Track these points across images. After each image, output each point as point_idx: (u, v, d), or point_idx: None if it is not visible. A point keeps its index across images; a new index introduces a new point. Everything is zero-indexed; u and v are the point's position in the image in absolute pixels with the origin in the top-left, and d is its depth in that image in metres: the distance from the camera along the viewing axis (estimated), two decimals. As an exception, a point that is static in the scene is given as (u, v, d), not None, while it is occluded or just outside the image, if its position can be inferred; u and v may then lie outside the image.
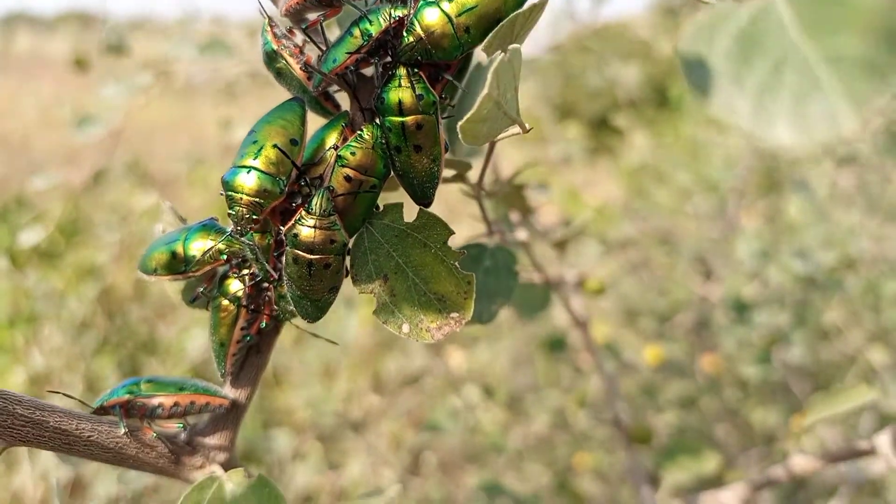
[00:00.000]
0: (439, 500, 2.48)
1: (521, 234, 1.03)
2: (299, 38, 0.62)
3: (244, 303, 0.60)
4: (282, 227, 0.56)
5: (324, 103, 0.63)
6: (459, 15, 0.54)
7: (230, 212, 0.54)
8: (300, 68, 0.60)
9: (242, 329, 0.62)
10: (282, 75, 0.62)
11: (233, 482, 0.61)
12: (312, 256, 0.54)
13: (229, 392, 0.65)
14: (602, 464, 2.34)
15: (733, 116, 0.33)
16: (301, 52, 0.61)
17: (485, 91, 0.47)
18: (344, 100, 0.64)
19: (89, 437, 0.58)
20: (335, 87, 0.63)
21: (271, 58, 0.62)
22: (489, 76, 0.47)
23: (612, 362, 1.66)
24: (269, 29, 0.61)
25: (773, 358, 1.91)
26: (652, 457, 1.31)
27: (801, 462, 1.09)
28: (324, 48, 0.60)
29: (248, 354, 0.65)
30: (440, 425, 1.76)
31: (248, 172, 0.54)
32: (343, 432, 2.43)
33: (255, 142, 0.55)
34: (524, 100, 0.56)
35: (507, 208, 1.02)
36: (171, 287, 0.68)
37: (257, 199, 0.54)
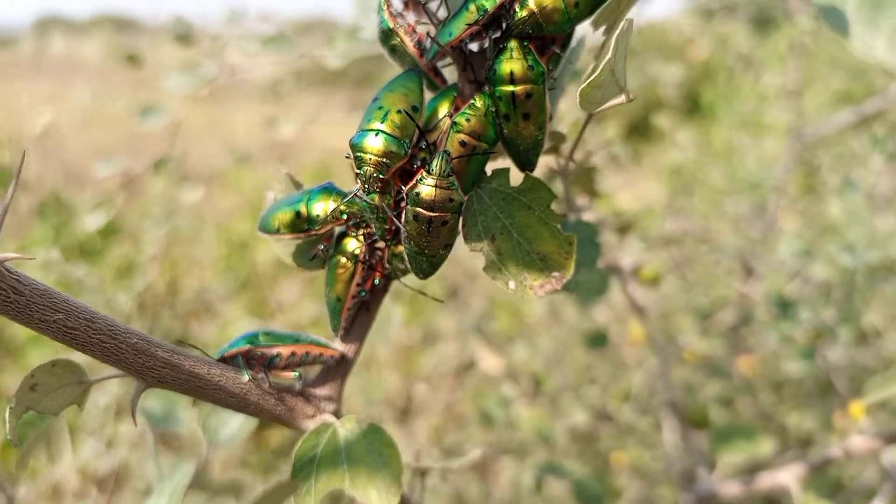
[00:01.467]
0: (476, 493, 2.51)
1: (589, 216, 1.07)
2: (411, 16, 0.67)
3: (362, 260, 0.65)
4: (403, 187, 0.60)
5: (433, 77, 0.67)
6: (570, -9, 0.59)
7: (358, 171, 0.59)
8: (413, 45, 0.65)
9: (358, 285, 0.66)
10: (395, 52, 0.67)
11: (345, 428, 0.66)
12: (432, 214, 0.59)
13: (339, 346, 0.70)
14: (641, 460, 2.36)
15: (871, 52, 0.37)
16: (413, 30, 0.66)
17: (608, 56, 0.51)
18: (449, 75, 0.69)
19: (218, 381, 0.63)
20: (443, 63, 0.67)
21: (387, 35, 0.66)
22: (612, 42, 0.51)
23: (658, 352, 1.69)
24: (385, 8, 0.66)
25: (818, 354, 1.93)
26: (706, 441, 1.34)
27: (859, 442, 1.12)
28: (435, 25, 0.65)
29: (358, 311, 0.70)
30: (491, 413, 1.80)
31: (375, 135, 0.58)
32: (387, 422, 2.47)
33: (380, 107, 0.60)
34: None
35: (576, 190, 1.06)
36: (282, 250, 0.72)
37: (384, 160, 0.58)
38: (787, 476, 1.17)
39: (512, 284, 0.63)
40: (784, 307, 2.08)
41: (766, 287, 2.42)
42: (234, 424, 0.96)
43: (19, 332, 3.57)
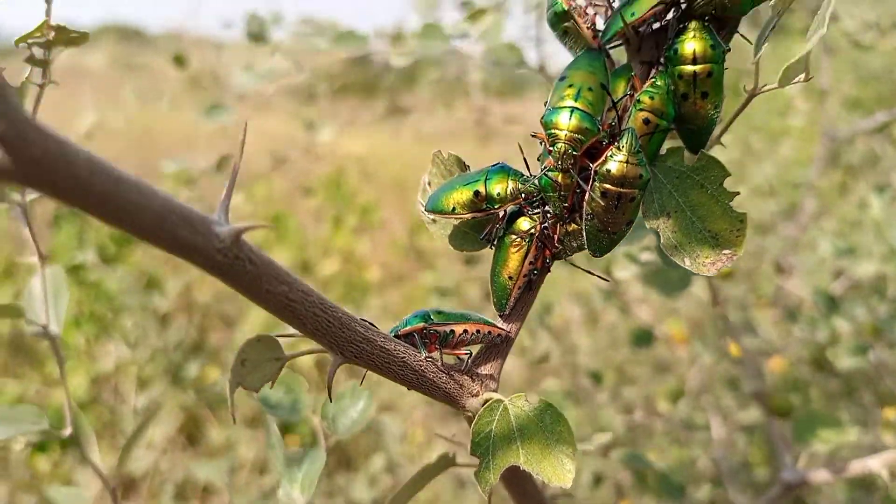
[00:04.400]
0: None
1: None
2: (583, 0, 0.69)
3: (538, 240, 0.66)
4: (590, 164, 0.62)
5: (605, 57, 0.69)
6: (758, -28, 0.60)
7: (551, 148, 0.60)
8: (587, 27, 0.67)
9: (530, 264, 0.67)
10: (568, 34, 0.68)
11: (516, 406, 0.67)
12: (622, 189, 0.60)
13: (503, 325, 0.71)
14: (686, 458, 2.37)
15: None
16: (586, 12, 0.67)
17: (823, 30, 0.52)
18: (616, 56, 0.70)
19: (403, 357, 0.64)
20: (612, 44, 0.69)
21: (560, 18, 0.68)
22: (827, 14, 0.52)
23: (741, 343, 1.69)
24: None
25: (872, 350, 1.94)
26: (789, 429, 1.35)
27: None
28: (611, 6, 0.66)
29: (522, 291, 0.71)
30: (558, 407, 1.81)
31: (570, 112, 0.60)
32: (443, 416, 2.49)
33: (571, 85, 0.61)
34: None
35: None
36: (439, 233, 0.74)
37: (578, 136, 0.60)
38: (878, 463, 1.18)
39: (687, 261, 0.64)
40: (831, 303, 2.10)
41: (807, 285, 2.44)
42: (353, 414, 0.97)
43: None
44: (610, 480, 2.36)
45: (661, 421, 2.22)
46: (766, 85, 0.67)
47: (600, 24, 0.67)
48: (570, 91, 0.61)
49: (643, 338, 2.24)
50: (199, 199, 2.57)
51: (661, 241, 0.64)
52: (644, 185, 0.61)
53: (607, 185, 0.60)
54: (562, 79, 0.63)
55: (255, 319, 4.13)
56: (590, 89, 0.61)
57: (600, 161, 0.61)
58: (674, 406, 2.19)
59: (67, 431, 1.07)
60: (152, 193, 0.45)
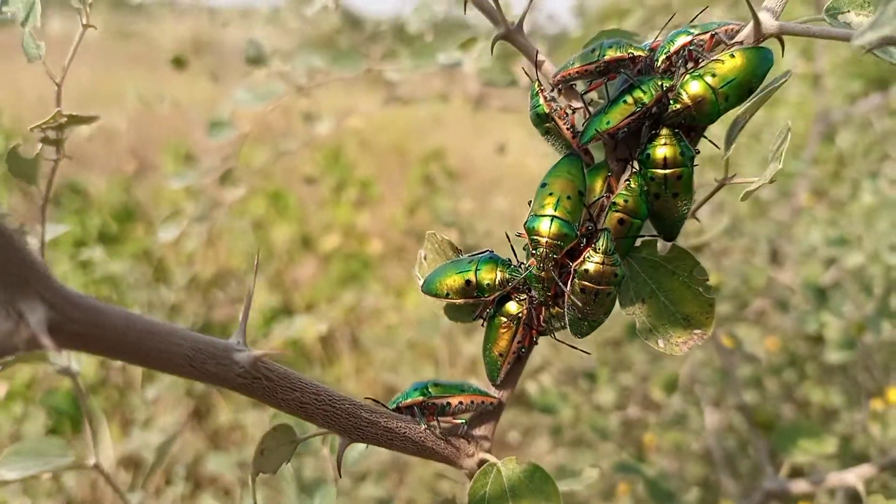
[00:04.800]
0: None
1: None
2: (563, 101, 0.74)
3: (525, 323, 0.73)
4: (570, 263, 0.68)
5: (583, 156, 0.74)
6: (721, 87, 0.66)
7: (534, 252, 0.67)
8: (567, 128, 0.72)
9: (518, 343, 0.74)
10: (550, 133, 0.74)
11: (507, 468, 0.74)
12: (599, 287, 0.67)
13: (495, 393, 0.78)
14: (681, 442, 2.47)
15: None
16: (566, 114, 0.73)
17: (778, 165, 0.58)
18: (595, 151, 0.76)
19: (404, 433, 0.71)
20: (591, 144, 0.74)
21: (542, 118, 0.73)
22: (783, 151, 0.58)
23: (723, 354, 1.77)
24: (540, 93, 0.73)
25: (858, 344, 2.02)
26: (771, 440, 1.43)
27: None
28: (588, 109, 0.72)
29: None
30: (554, 407, 1.90)
31: (550, 220, 0.66)
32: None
33: (551, 193, 0.67)
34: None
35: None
36: (435, 304, 0.80)
37: (558, 242, 0.66)
38: (854, 477, 1.25)
39: (661, 343, 0.71)
40: (820, 296, 2.17)
41: (798, 274, 2.50)
42: (360, 447, 1.05)
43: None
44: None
45: (655, 411, 2.30)
46: (734, 175, 0.73)
47: (580, 125, 0.73)
48: (551, 200, 0.67)
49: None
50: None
51: (637, 326, 0.71)
52: (619, 282, 0.67)
53: (585, 283, 0.67)
54: (543, 185, 0.69)
55: (258, 298, 4.20)
56: (568, 198, 0.67)
57: (579, 261, 0.67)
58: (668, 396, 2.27)
59: (91, 461, 1.14)
60: (179, 337, 0.52)
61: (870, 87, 3.71)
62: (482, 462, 0.76)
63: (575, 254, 0.68)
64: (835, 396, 2.55)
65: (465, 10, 0.76)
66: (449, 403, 0.75)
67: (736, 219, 2.90)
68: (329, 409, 0.63)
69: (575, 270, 0.67)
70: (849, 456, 2.28)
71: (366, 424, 0.67)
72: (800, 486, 1.32)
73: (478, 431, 0.78)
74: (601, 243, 0.66)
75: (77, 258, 3.56)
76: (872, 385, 2.33)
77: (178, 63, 2.44)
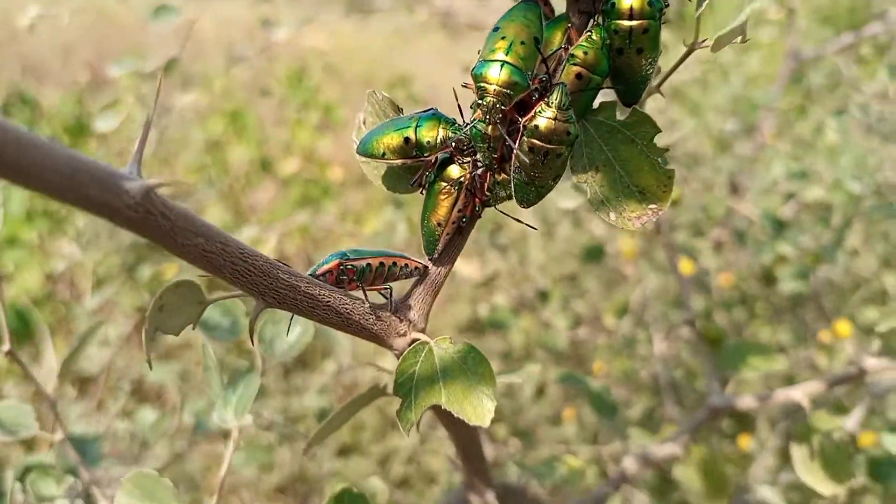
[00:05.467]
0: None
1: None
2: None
3: (466, 187, 0.66)
4: (520, 118, 0.61)
5: (542, 7, 0.67)
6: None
7: (480, 101, 0.60)
8: None
9: (459, 211, 0.68)
10: None
11: (440, 347, 0.69)
12: (549, 146, 0.60)
13: (432, 268, 0.72)
14: (630, 370, 2.46)
15: None
16: None
17: (756, 4, 0.52)
18: (557, 4, 0.68)
19: (328, 301, 0.64)
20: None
21: None
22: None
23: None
24: None
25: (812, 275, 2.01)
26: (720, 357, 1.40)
27: (874, 363, 1.19)
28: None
29: (452, 236, 0.71)
30: (504, 323, 1.86)
31: (500, 66, 0.59)
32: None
33: (503, 37, 0.60)
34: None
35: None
36: (371, 172, 0.73)
37: (507, 91, 0.59)
38: (800, 393, 1.23)
39: (612, 216, 0.65)
40: (778, 227, 2.15)
41: (758, 206, 2.48)
42: (291, 338, 0.99)
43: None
44: (554, 388, 2.44)
45: (605, 335, 2.29)
46: (705, 40, 0.66)
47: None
48: (503, 44, 0.60)
49: (594, 254, 2.28)
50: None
51: (588, 195, 0.65)
52: (572, 142, 0.61)
53: (535, 141, 0.60)
54: (495, 29, 0.61)
55: (211, 214, 4.08)
56: (522, 43, 0.59)
57: (529, 116, 0.60)
58: (619, 320, 2.25)
59: (5, 347, 1.05)
60: (57, 153, 0.44)
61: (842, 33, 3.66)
62: (415, 342, 0.70)
63: (525, 108, 0.62)
64: (783, 334, 2.56)
65: None
66: (369, 265, 0.69)
67: (698, 154, 2.86)
68: (240, 262, 0.56)
69: (524, 126, 0.60)
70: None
71: (284, 287, 0.60)
72: (745, 401, 1.30)
73: (411, 312, 0.72)
74: (555, 97, 0.59)
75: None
76: (821, 325, 2.34)
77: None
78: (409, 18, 2.76)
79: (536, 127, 0.60)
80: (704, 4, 0.62)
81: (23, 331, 3.36)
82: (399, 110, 0.72)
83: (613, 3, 0.61)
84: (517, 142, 0.61)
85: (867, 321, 2.17)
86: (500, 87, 0.59)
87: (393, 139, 0.66)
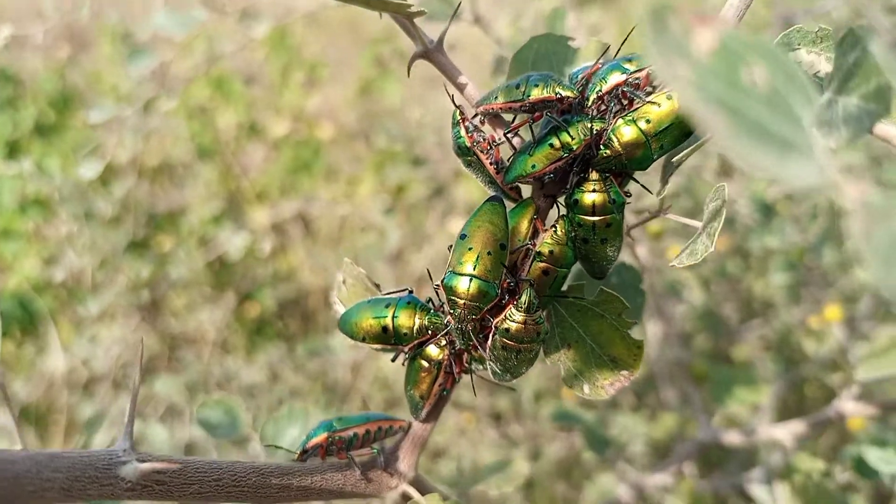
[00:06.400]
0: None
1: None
2: (488, 129, 0.67)
3: (446, 369, 0.69)
4: (491, 318, 0.64)
5: (509, 192, 0.68)
6: (656, 134, 0.60)
7: (452, 311, 0.62)
8: (490, 164, 0.66)
9: (440, 385, 0.71)
10: (471, 166, 0.67)
11: (429, 505, 0.72)
12: (520, 346, 0.63)
13: (417, 426, 0.75)
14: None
15: None
16: (490, 146, 0.66)
17: (710, 248, 0.54)
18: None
19: (321, 485, 0.68)
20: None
21: (463, 151, 0.67)
22: (717, 224, 0.53)
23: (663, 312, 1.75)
24: (461, 122, 0.66)
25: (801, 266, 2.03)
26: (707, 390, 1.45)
27: (852, 407, 1.23)
28: (512, 145, 0.66)
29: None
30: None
31: (469, 280, 0.61)
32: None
33: (470, 248, 0.62)
34: None
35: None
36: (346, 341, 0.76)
37: (476, 304, 0.61)
38: (785, 432, 1.28)
39: (586, 388, 0.68)
40: (766, 212, 2.17)
41: (747, 188, 2.49)
42: (294, 433, 1.03)
43: None
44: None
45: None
46: (669, 207, 0.68)
47: (509, 153, 0.66)
48: (470, 256, 0.61)
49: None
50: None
51: (563, 374, 0.68)
52: (543, 339, 0.64)
53: (506, 341, 0.63)
54: (463, 237, 0.63)
55: (198, 209, 4.08)
56: (489, 254, 0.61)
57: (500, 318, 0.63)
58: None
59: None
60: (52, 469, 0.47)
61: None
62: (405, 496, 0.74)
63: (496, 309, 0.64)
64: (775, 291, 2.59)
65: (380, 15, 0.67)
66: (356, 434, 0.73)
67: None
68: (234, 489, 0.60)
69: (496, 327, 0.63)
70: (784, 360, 2.35)
71: (277, 490, 0.64)
72: (731, 437, 1.35)
73: (401, 463, 0.76)
74: (524, 300, 0.62)
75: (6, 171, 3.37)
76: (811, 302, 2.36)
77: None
78: None
79: (507, 330, 0.62)
80: (665, 188, 0.64)
81: (26, 320, 3.41)
82: (376, 286, 0.74)
83: (577, 200, 0.63)
84: (489, 340, 0.64)
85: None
86: (470, 301, 0.61)
87: (371, 326, 0.69)
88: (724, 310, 2.75)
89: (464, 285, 0.61)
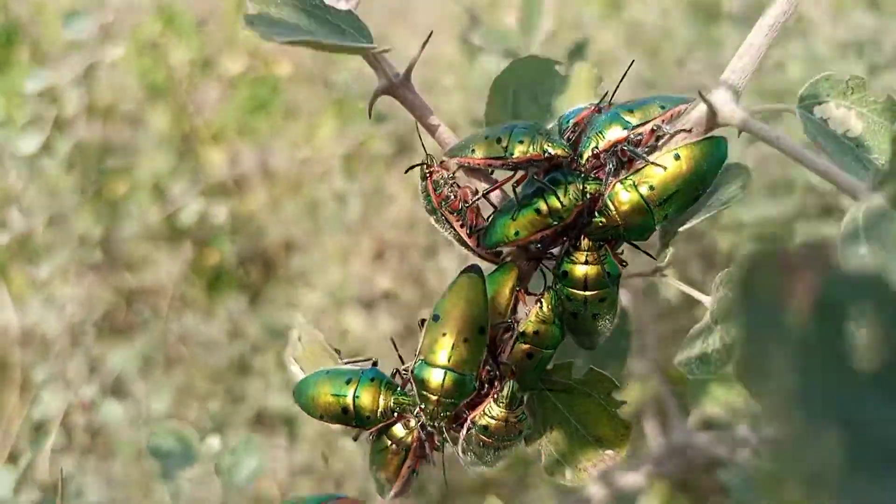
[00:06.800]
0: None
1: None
2: (463, 179, 0.57)
3: (416, 453, 0.60)
4: (466, 413, 0.55)
5: (486, 255, 0.59)
6: (659, 202, 0.50)
7: (422, 406, 0.53)
8: (465, 232, 0.56)
9: (409, 468, 0.62)
10: (440, 223, 0.57)
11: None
12: (499, 444, 0.54)
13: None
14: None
15: None
16: (462, 206, 0.56)
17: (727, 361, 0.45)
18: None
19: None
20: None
21: (430, 210, 0.57)
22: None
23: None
24: (429, 177, 0.56)
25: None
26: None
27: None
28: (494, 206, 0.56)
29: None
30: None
31: (443, 373, 0.52)
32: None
33: (444, 334, 0.52)
34: None
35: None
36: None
37: (451, 400, 0.52)
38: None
39: (568, 474, 0.61)
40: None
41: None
42: (251, 466, 0.95)
43: None
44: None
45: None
46: (669, 265, 0.60)
47: (476, 220, 0.57)
48: (445, 342, 0.52)
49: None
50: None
51: (543, 461, 0.60)
52: (525, 436, 0.55)
53: (483, 438, 0.54)
54: (435, 318, 0.54)
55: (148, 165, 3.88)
56: (465, 341, 0.52)
57: (477, 412, 0.54)
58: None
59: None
60: None
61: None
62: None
63: (474, 400, 0.55)
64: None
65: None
66: None
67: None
68: None
69: (473, 422, 0.54)
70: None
71: None
72: (702, 438, 1.31)
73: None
74: (505, 394, 0.53)
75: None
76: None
77: None
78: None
79: (486, 427, 0.54)
80: (668, 253, 0.55)
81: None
82: (336, 351, 0.65)
83: (566, 272, 0.54)
84: (465, 431, 0.55)
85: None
86: (444, 396, 0.52)
87: (329, 404, 0.60)
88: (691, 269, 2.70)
89: (437, 379, 0.52)
